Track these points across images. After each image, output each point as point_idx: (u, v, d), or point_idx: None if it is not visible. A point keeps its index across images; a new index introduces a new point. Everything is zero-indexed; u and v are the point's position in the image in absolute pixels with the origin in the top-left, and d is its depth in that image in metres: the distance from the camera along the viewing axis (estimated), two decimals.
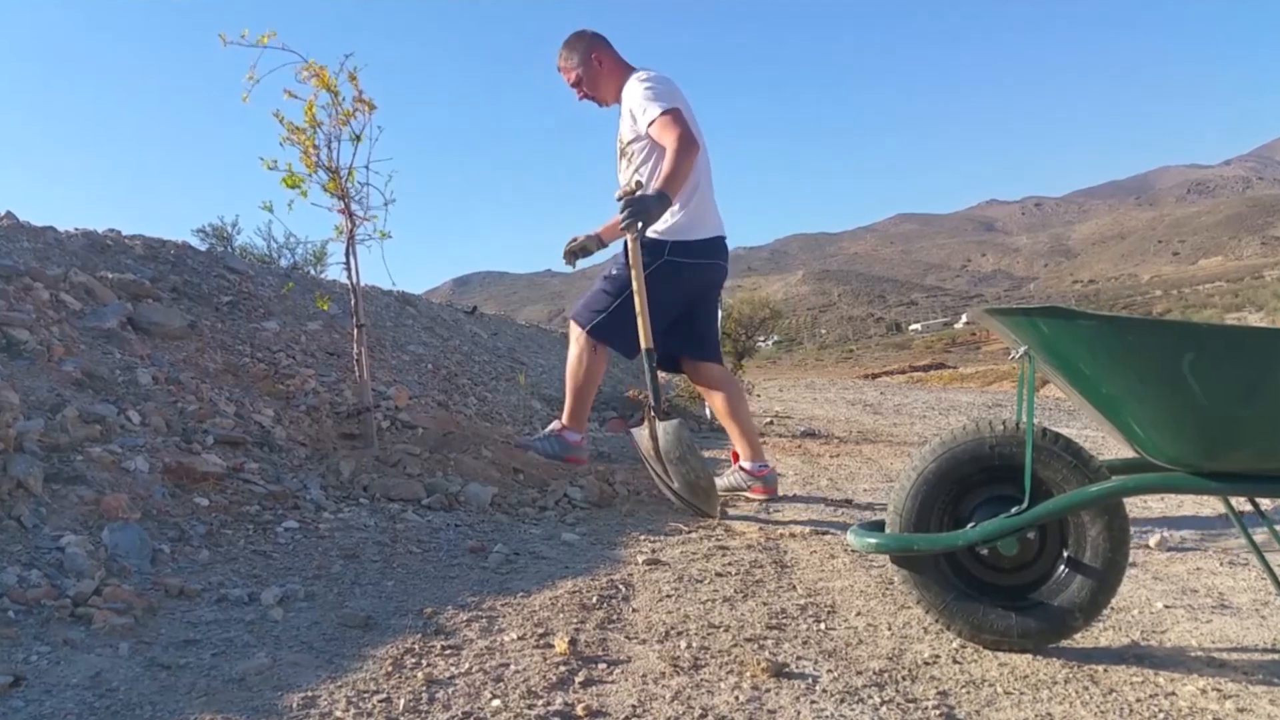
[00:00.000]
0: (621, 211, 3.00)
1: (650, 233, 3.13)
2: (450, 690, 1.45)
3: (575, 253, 3.59)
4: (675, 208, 3.15)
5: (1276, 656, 1.69)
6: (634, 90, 3.17)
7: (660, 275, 3.13)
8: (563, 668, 1.55)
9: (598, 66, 3.33)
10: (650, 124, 3.08)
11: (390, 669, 1.53)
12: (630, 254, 3.03)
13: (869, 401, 10.93)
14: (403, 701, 1.40)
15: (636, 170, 3.23)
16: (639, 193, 3.03)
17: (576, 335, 3.31)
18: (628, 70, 3.31)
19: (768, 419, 7.38)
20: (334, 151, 3.11)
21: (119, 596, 1.76)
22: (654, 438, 2.94)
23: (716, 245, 3.30)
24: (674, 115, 3.05)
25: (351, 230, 3.20)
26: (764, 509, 3.17)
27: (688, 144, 3.01)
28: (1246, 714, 1.42)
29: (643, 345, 3.05)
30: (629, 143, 3.24)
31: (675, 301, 3.24)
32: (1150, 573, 2.32)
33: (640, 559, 2.35)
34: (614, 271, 3.26)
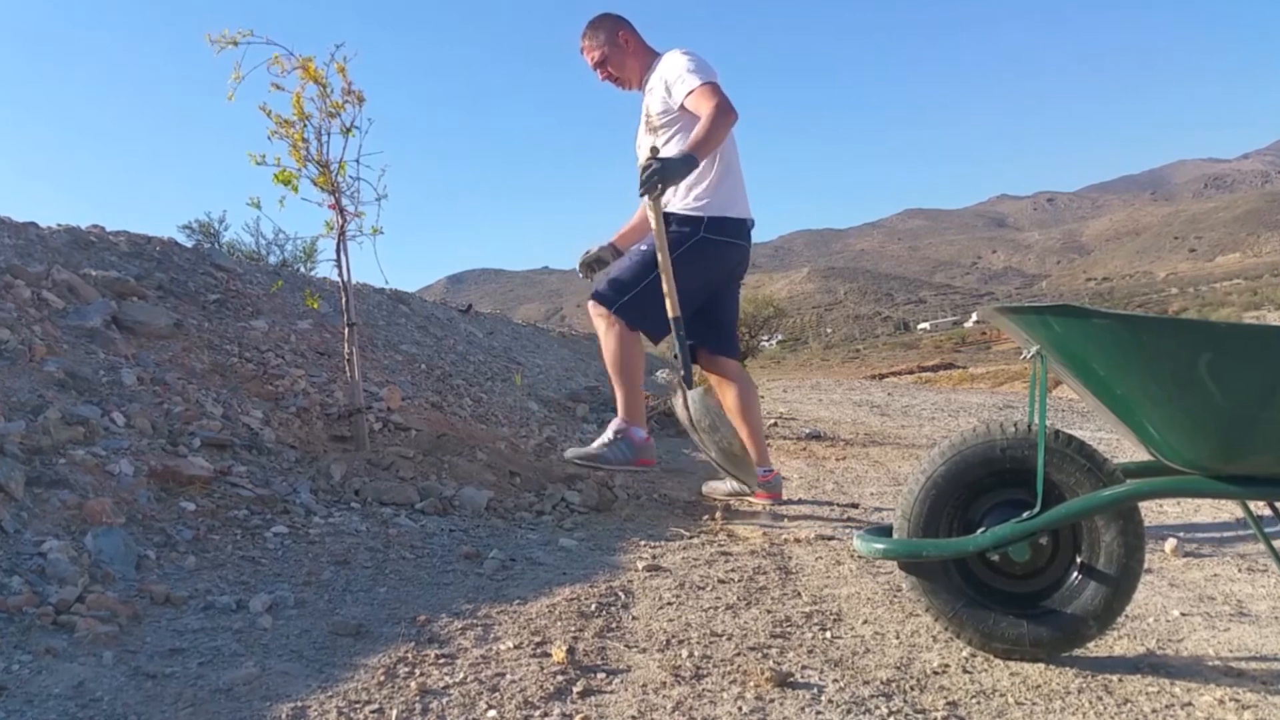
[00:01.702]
0: (642, 174, 2.90)
1: (686, 208, 3.07)
2: (444, 701, 1.45)
3: (591, 265, 3.48)
4: (709, 181, 3.10)
5: None
6: (674, 62, 3.11)
7: (694, 252, 3.07)
8: (560, 677, 1.55)
9: (624, 46, 3.31)
10: (688, 94, 3.02)
11: (383, 679, 1.53)
12: (652, 216, 2.95)
13: (876, 403, 10.92)
14: (395, 712, 1.40)
15: (664, 146, 3.14)
16: (661, 154, 2.96)
17: (602, 315, 3.15)
18: (651, 53, 3.30)
19: (772, 420, 7.38)
20: (324, 145, 3.11)
21: (103, 604, 1.76)
22: (686, 408, 2.88)
23: (747, 229, 3.24)
24: (714, 86, 3.00)
25: (342, 226, 3.21)
26: (768, 513, 3.17)
27: (726, 111, 2.95)
28: None
29: (671, 314, 2.96)
30: (658, 114, 3.16)
31: (706, 283, 3.17)
32: (1166, 579, 2.32)
33: (640, 565, 2.35)
34: (643, 247, 3.14)
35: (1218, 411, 1.47)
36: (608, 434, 3.16)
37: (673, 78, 3.07)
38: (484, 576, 2.22)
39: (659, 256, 2.93)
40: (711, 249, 3.12)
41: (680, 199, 3.13)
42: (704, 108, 2.97)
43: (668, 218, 3.01)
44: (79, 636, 1.63)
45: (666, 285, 2.92)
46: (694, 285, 3.06)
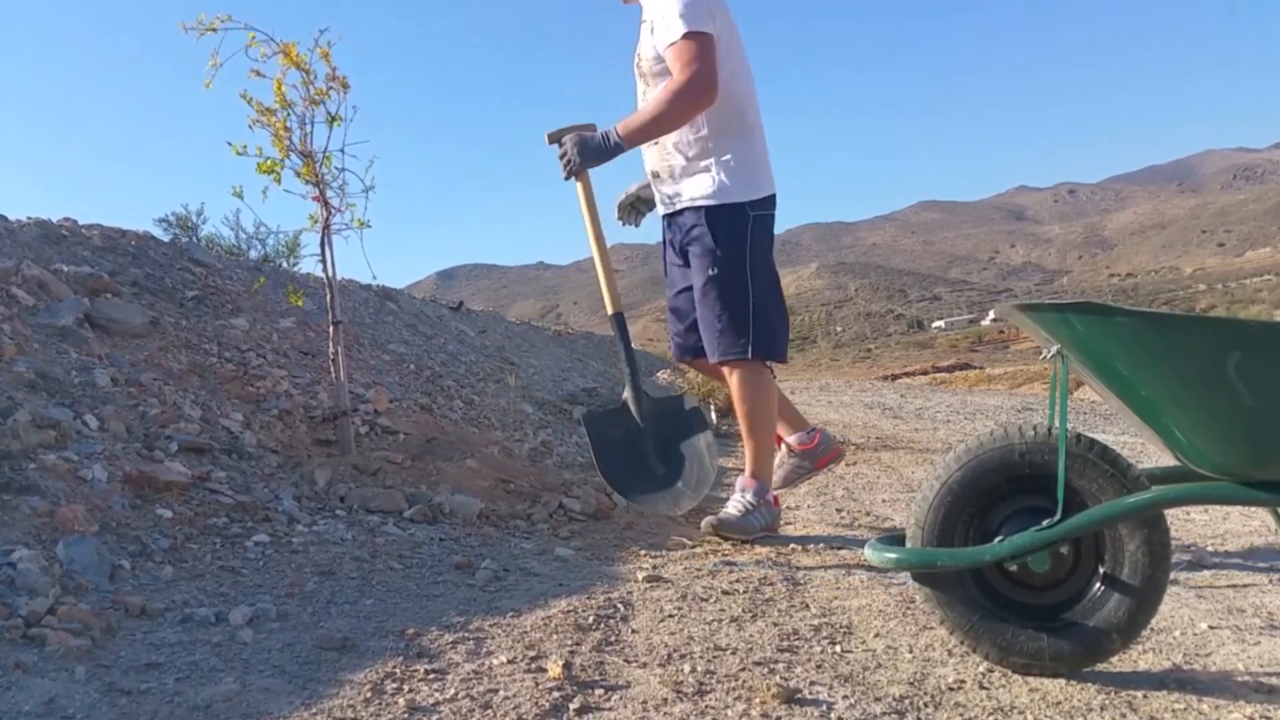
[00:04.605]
0: (561, 156, 2.76)
1: (718, 198, 2.73)
2: (435, 718, 1.46)
3: (634, 207, 3.14)
4: (728, 158, 2.71)
5: None
6: None
7: (765, 241, 2.78)
8: (556, 693, 1.55)
9: None
10: (669, 44, 2.57)
11: (369, 695, 1.53)
12: (582, 200, 2.80)
13: (888, 405, 10.93)
14: None
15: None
16: (585, 132, 2.76)
17: (737, 368, 2.77)
18: None
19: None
20: (308, 134, 3.12)
21: (75, 616, 1.76)
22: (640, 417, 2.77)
23: (774, 204, 2.89)
24: (700, 42, 2.54)
25: (327, 220, 3.21)
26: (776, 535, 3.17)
27: (694, 90, 2.53)
28: None
29: (609, 309, 2.81)
30: (649, 58, 2.73)
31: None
32: (1193, 590, 2.32)
33: (640, 576, 2.35)
34: (712, 272, 2.74)
35: (1247, 414, 1.47)
36: (749, 497, 2.79)
37: (658, 16, 2.62)
38: (476, 588, 2.23)
39: (592, 243, 2.81)
40: (770, 228, 2.85)
41: (705, 182, 2.75)
42: (676, 69, 2.57)
43: (711, 218, 2.73)
44: (50, 650, 1.63)
45: (605, 278, 2.84)
46: (773, 278, 2.83)
